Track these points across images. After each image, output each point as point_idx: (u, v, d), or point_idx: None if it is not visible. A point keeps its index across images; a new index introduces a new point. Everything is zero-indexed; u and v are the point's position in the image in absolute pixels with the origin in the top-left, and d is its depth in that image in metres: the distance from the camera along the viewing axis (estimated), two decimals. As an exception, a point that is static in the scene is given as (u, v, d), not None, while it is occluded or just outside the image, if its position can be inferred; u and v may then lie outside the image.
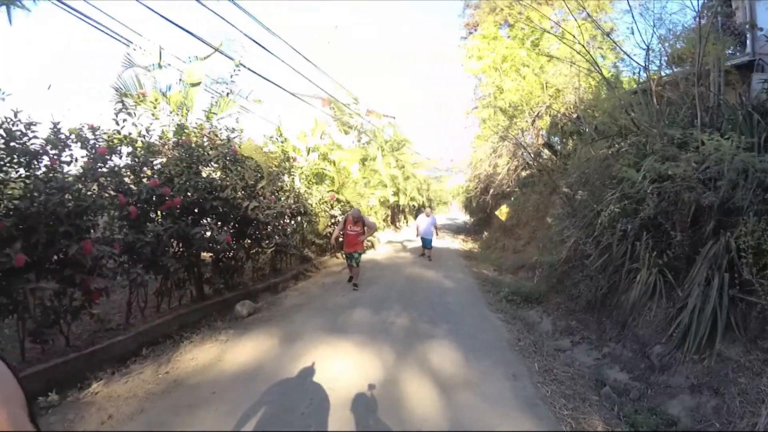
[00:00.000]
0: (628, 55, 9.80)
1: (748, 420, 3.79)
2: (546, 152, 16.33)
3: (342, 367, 4.95)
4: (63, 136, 4.45)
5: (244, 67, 8.86)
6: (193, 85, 8.69)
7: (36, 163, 4.18)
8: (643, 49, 7.60)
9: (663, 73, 7.99)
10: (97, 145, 4.92)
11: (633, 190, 5.91)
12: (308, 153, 13.06)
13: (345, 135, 18.42)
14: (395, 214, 26.42)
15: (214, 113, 8.50)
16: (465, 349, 5.80)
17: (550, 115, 14.55)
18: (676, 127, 6.23)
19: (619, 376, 5.31)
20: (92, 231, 4.57)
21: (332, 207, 12.41)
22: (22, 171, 4.18)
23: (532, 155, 15.13)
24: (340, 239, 10.24)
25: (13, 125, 4.04)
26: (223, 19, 9.79)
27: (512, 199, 16.03)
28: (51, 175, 4.23)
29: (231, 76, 8.95)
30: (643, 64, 7.82)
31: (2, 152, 3.98)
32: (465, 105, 28.40)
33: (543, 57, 13.50)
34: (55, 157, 4.25)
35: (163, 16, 7.08)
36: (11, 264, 3.52)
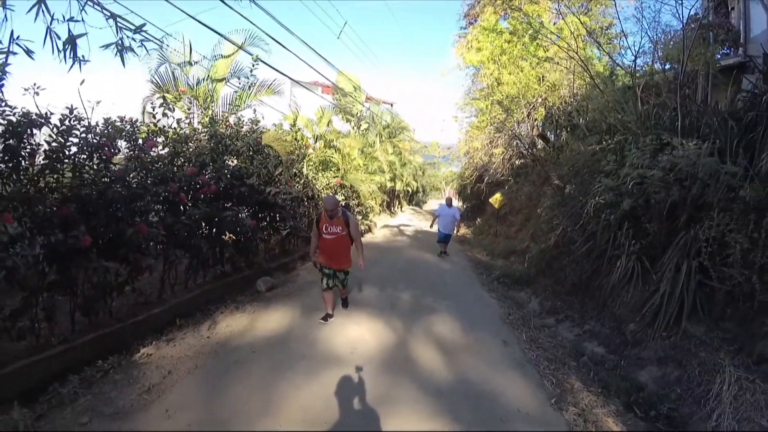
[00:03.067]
0: (614, 61, 10.32)
1: (704, 387, 4.49)
2: (540, 143, 16.88)
3: (358, 334, 5.71)
4: (112, 130, 4.91)
5: (262, 62, 9.33)
6: (218, 80, 9.31)
7: (97, 154, 4.63)
8: (635, 51, 8.16)
9: (652, 78, 8.55)
10: (135, 137, 5.40)
11: (615, 184, 6.52)
12: (315, 141, 13.59)
13: (346, 123, 18.94)
14: (391, 199, 26.92)
15: (237, 106, 9.14)
16: (463, 320, 6.60)
17: (545, 107, 15.03)
18: (660, 129, 6.85)
19: (596, 349, 6.02)
20: (145, 215, 5.11)
21: (336, 192, 12.59)
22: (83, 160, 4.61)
23: (527, 146, 15.64)
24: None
25: (69, 120, 4.41)
26: (241, 15, 10.22)
27: (506, 188, 16.37)
28: (106, 165, 4.73)
29: (251, 71, 9.45)
30: (632, 68, 8.42)
31: (62, 144, 4.35)
32: (460, 95, 28.88)
33: (541, 50, 13.98)
34: (108, 149, 4.69)
35: (192, 17, 7.66)
36: (80, 244, 3.98)
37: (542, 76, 14.10)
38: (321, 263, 6.04)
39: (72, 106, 4.39)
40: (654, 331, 5.57)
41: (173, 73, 8.73)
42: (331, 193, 12.33)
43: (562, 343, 6.25)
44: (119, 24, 3.62)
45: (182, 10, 7.46)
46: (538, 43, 13.96)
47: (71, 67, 3.31)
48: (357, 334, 5.68)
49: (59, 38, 3.22)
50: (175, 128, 6.55)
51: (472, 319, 6.70)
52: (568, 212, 8.62)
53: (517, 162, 16.70)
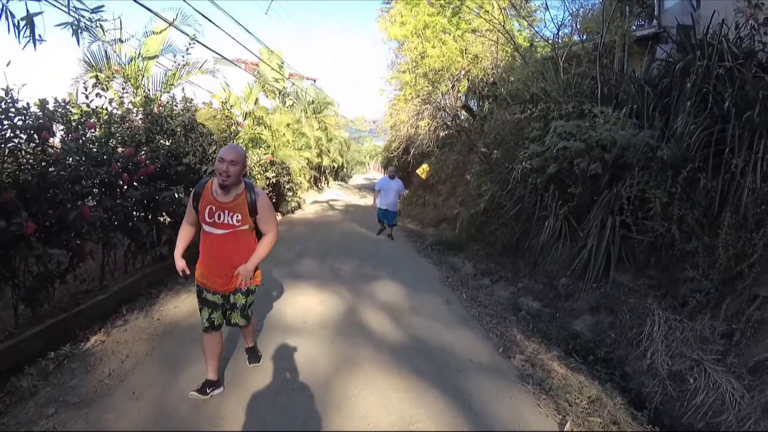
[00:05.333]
0: (537, 33, 10.77)
1: (636, 330, 4.95)
2: (464, 114, 17.32)
3: (307, 304, 5.74)
4: (47, 112, 4.61)
5: (197, 42, 9.07)
6: (150, 58, 8.91)
7: (35, 137, 4.37)
8: (557, 24, 8.58)
9: (572, 49, 9.02)
10: (69, 119, 5.12)
11: (542, 150, 6.88)
12: (244, 118, 13.23)
13: (272, 99, 18.51)
14: (319, 175, 26.74)
15: (172, 84, 8.80)
16: (404, 285, 6.81)
17: (468, 80, 15.42)
18: (581, 97, 7.28)
19: (532, 305, 6.44)
20: (84, 199, 4.90)
21: (266, 170, 12.37)
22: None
23: (451, 117, 16.00)
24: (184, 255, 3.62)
25: (4, 103, 4.11)
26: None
27: (433, 158, 16.66)
28: (43, 148, 4.47)
29: (187, 49, 9.21)
30: (553, 39, 8.84)
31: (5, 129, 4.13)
32: (384, 69, 28.88)
33: (463, 23, 14.28)
34: (46, 132, 4.43)
35: None
36: (23, 231, 3.76)
37: (465, 49, 14.41)
38: (198, 278, 3.44)
39: (7, 87, 4.11)
40: (585, 283, 6.03)
41: (105, 51, 8.20)
42: (262, 171, 12.08)
43: (500, 301, 6.64)
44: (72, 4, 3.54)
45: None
46: (460, 17, 14.26)
47: (26, 45, 3.20)
48: (306, 304, 5.70)
49: (13, 16, 3.11)
50: (108, 108, 6.19)
51: (413, 284, 6.92)
52: (495, 178, 9.01)
53: (442, 133, 17.00)
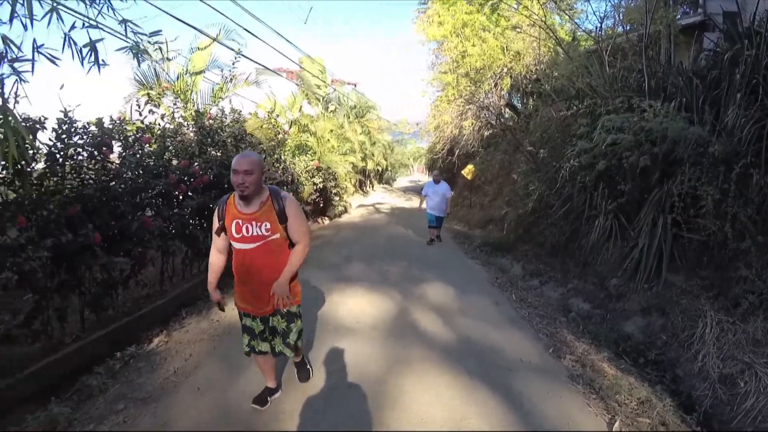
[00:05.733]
0: (578, 26, 10.55)
1: (688, 332, 4.81)
2: (508, 112, 17.10)
3: (359, 306, 5.93)
4: (106, 129, 4.92)
5: (243, 56, 9.54)
6: (197, 73, 9.44)
7: (96, 154, 4.70)
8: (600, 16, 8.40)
9: (616, 41, 8.79)
10: (125, 135, 5.47)
11: (590, 147, 6.76)
12: (289, 126, 13.63)
13: (315, 106, 18.84)
14: (363, 179, 27.00)
15: (220, 98, 9.28)
16: (453, 286, 6.87)
17: (510, 77, 15.22)
18: (628, 92, 7.11)
19: (582, 306, 6.34)
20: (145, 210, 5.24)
21: (313, 176, 12.65)
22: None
23: (495, 116, 15.83)
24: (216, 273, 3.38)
25: (66, 125, 4.43)
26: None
27: (477, 158, 16.49)
28: (104, 164, 4.81)
29: (233, 63, 9.77)
30: (596, 32, 8.64)
31: (61, 146, 4.40)
32: (424, 70, 28.66)
33: (504, 20, 14.13)
34: (106, 148, 4.77)
35: (169, 14, 7.73)
36: (89, 242, 4.07)
37: (506, 46, 14.24)
38: (237, 301, 3.32)
39: (66, 109, 4.42)
40: (636, 284, 5.89)
41: (155, 69, 8.77)
42: (309, 176, 12.31)
43: (549, 302, 6.57)
44: (131, 28, 3.76)
45: (159, 8, 7.54)
46: (499, 14, 14.12)
47: (89, 69, 3.40)
48: (357, 306, 5.89)
49: (75, 43, 3.30)
50: (160, 124, 6.58)
51: (461, 285, 6.96)
52: (542, 177, 8.88)
53: (486, 133, 16.80)
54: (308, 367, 3.94)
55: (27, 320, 3.96)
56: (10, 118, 2.75)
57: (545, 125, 9.93)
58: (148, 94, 7.79)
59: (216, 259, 3.25)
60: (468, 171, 15.90)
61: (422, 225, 11.65)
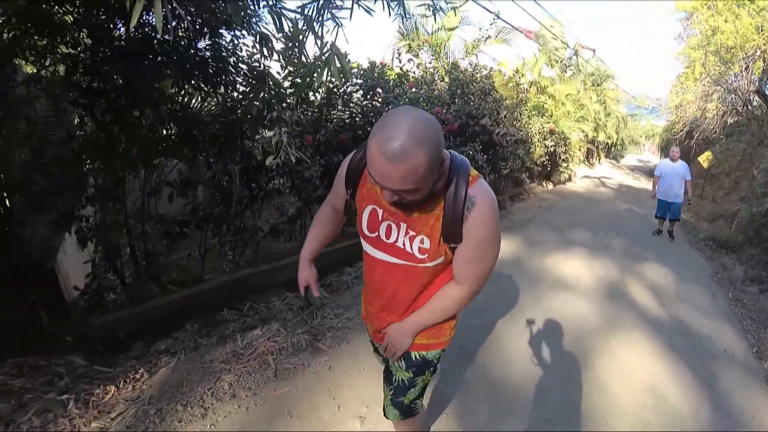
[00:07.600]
0: None
1: None
2: (757, 100, 14.87)
3: (579, 268, 6.34)
4: (379, 72, 5.92)
5: (499, 18, 10.13)
6: (451, 29, 10.29)
7: (369, 94, 5.68)
8: None
9: None
10: (387, 79, 6.32)
11: None
12: (529, 86, 13.78)
13: (551, 69, 18.36)
14: (592, 149, 25.69)
15: (469, 53, 10.11)
16: (672, 271, 6.79)
17: (764, 60, 13.15)
18: None
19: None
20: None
21: (545, 138, 12.61)
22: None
23: (743, 102, 13.97)
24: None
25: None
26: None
27: (717, 147, 15.09)
28: (373, 103, 5.74)
29: (491, 24, 10.68)
30: None
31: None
32: (670, 42, 25.49)
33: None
34: (380, 89, 5.75)
35: None
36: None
37: (761, 26, 12.31)
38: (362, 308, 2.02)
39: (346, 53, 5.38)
40: None
41: (415, 23, 9.87)
42: (541, 139, 12.34)
43: (765, 309, 6.09)
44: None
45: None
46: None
47: (394, 18, 3.90)
48: (577, 269, 6.27)
49: None
50: (415, 72, 7.41)
51: (680, 272, 6.85)
52: (786, 177, 7.86)
53: (730, 120, 15.27)
54: None
55: (290, 220, 5.09)
56: (334, 50, 3.49)
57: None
58: (409, 45, 8.64)
59: (322, 222, 2.03)
60: (705, 158, 14.34)
61: (648, 205, 10.62)
